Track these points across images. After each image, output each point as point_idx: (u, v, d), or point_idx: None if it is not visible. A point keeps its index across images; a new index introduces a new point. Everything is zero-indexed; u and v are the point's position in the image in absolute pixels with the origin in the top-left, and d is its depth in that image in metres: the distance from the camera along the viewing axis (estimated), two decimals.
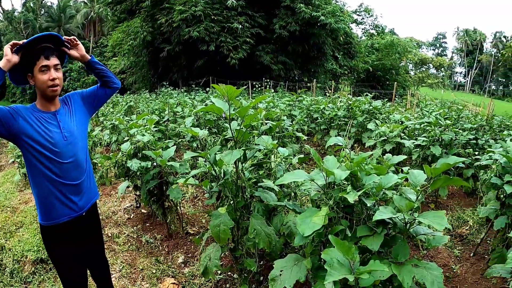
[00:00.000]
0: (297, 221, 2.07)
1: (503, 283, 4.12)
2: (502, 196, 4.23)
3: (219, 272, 3.87)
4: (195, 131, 2.50)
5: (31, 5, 49.21)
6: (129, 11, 26.49)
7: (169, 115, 6.84)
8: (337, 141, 2.55)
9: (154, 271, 4.04)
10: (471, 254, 4.93)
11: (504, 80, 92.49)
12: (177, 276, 4.00)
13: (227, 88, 2.02)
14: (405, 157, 3.04)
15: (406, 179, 2.56)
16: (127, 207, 5.76)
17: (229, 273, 3.89)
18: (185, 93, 17.30)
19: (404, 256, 2.20)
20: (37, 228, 5.06)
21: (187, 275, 4.00)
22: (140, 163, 4.08)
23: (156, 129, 5.26)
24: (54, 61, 2.27)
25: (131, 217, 5.50)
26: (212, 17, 21.99)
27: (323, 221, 1.98)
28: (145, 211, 5.56)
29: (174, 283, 3.77)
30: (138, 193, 5.07)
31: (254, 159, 2.74)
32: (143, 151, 4.18)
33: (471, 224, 5.68)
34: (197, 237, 4.40)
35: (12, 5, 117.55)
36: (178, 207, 4.81)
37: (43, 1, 53.42)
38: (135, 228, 5.08)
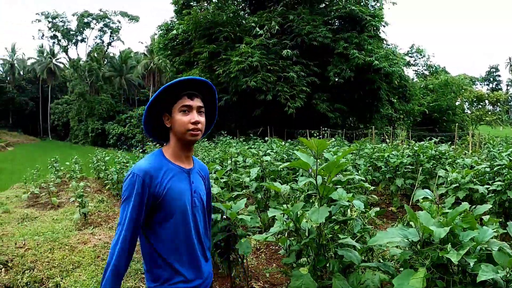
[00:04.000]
0: (394, 285, 1.91)
1: None
2: None
3: None
4: (277, 187, 2.43)
5: (95, 55, 53.02)
6: (188, 63, 27.77)
7: (231, 165, 6.86)
8: (425, 194, 2.40)
9: None
10: None
11: None
12: None
13: (317, 142, 1.94)
14: (490, 206, 2.81)
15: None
16: None
17: None
18: (244, 142, 17.49)
19: None
20: (95, 270, 5.04)
21: None
22: None
23: (224, 180, 5.25)
24: (198, 102, 1.94)
25: None
26: (268, 67, 22.53)
27: (421, 284, 1.82)
28: None
29: None
30: None
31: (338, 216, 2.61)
32: (213, 203, 4.14)
33: None
34: None
35: (78, 54, 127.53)
36: (245, 261, 4.69)
37: (106, 52, 57.44)
38: None
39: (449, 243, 1.93)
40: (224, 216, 4.02)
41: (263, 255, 5.82)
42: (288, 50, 22.84)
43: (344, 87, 24.28)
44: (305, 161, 2.00)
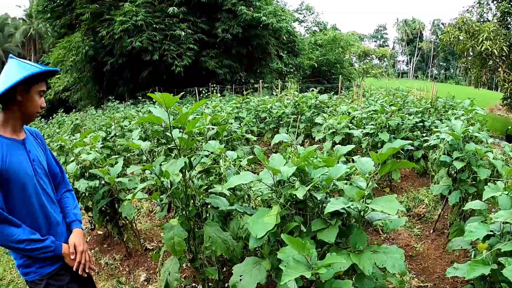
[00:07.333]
0: (249, 223, 2.03)
1: (465, 255, 4.26)
2: (452, 172, 4.39)
3: (182, 285, 3.78)
4: (137, 144, 2.42)
5: None
6: (69, 26, 25.63)
7: (116, 130, 6.62)
8: (282, 138, 2.54)
9: None
10: (431, 231, 5.08)
11: (444, 64, 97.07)
12: None
13: (164, 96, 1.95)
14: (352, 146, 3.08)
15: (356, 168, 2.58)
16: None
17: (193, 284, 3.81)
18: (132, 106, 16.92)
19: (362, 243, 2.20)
20: None
21: None
22: (87, 183, 3.91)
23: (102, 145, 5.07)
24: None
25: (88, 240, 5.30)
26: (154, 25, 21.66)
27: (275, 220, 1.96)
28: (101, 232, 5.37)
29: None
30: (90, 214, 4.87)
31: (203, 166, 2.67)
32: (90, 170, 4.01)
33: (427, 203, 5.85)
34: (154, 252, 4.28)
35: None
36: (134, 224, 4.66)
37: None
38: (92, 251, 4.87)
39: (298, 181, 2.09)
40: (103, 182, 3.93)
41: (156, 217, 5.84)
42: (174, 8, 22.10)
43: (232, 43, 24.26)
44: (157, 115, 2.01)
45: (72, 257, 2.14)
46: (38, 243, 1.99)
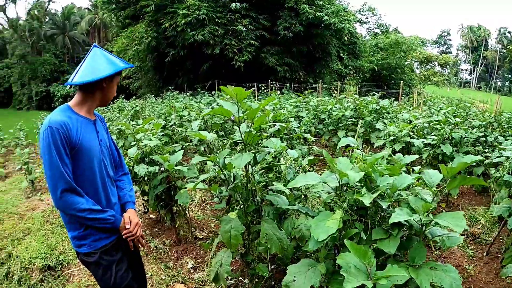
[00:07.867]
0: (311, 225, 2.00)
1: None
2: None
3: (229, 277, 3.81)
4: (203, 135, 2.45)
5: (36, 12, 49.14)
6: (133, 17, 26.52)
7: (176, 119, 6.80)
8: (349, 142, 2.49)
9: (163, 277, 3.99)
10: (484, 254, 4.81)
11: (509, 76, 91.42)
12: (187, 282, 3.94)
13: (236, 90, 1.97)
14: (416, 156, 2.97)
15: (418, 179, 2.49)
16: None
17: (240, 278, 3.83)
18: (191, 97, 17.26)
19: (421, 258, 2.13)
20: (45, 235, 5.03)
21: (197, 281, 3.95)
22: (147, 168, 4.04)
23: (163, 133, 5.22)
24: None
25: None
26: (216, 20, 21.97)
27: (337, 224, 1.92)
28: (153, 216, 5.53)
29: None
30: (145, 198, 5.03)
31: (264, 162, 2.67)
32: (150, 156, 4.13)
33: (483, 223, 5.55)
34: (206, 242, 4.35)
35: (17, 13, 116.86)
36: (187, 212, 4.76)
37: (48, 9, 53.41)
38: (143, 233, 5.03)
39: (364, 187, 2.04)
40: (162, 168, 4.03)
41: (208, 207, 5.93)
42: (236, 3, 22.30)
43: (293, 41, 24.14)
44: (227, 109, 2.02)
45: (128, 226, 2.28)
46: (100, 213, 2.14)
